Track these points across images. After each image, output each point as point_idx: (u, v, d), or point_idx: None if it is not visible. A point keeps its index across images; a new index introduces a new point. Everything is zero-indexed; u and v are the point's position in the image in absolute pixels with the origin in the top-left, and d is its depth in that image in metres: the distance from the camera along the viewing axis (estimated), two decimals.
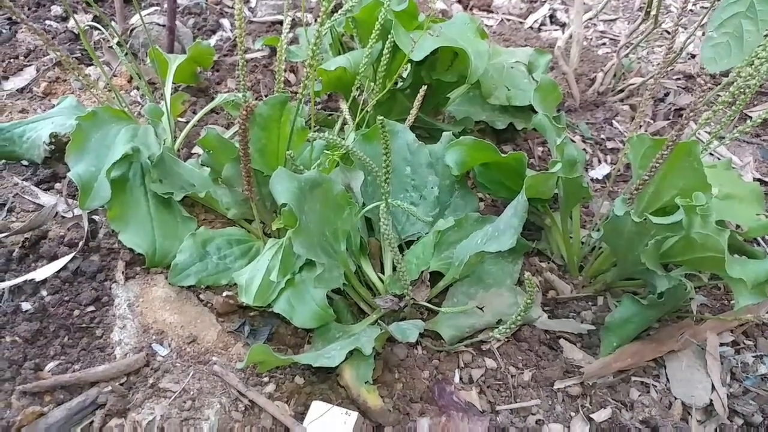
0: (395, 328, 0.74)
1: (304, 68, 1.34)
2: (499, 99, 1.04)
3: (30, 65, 1.38)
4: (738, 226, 0.92)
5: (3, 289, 0.84)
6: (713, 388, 0.79)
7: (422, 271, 0.84)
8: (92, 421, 0.71)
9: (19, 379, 0.74)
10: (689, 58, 1.50)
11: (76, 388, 0.74)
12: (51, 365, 0.76)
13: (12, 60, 1.39)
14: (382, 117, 0.80)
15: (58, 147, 1.07)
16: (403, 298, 0.79)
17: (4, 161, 1.07)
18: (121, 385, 0.74)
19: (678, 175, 0.77)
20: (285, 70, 1.33)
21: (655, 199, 0.82)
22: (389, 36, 0.86)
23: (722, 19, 0.89)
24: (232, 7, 1.62)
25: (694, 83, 1.39)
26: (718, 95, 1.23)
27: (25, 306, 0.82)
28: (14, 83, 1.33)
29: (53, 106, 1.23)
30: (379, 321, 0.82)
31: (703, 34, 1.53)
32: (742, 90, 0.80)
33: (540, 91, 0.85)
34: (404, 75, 1.05)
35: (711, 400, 0.78)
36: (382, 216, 0.72)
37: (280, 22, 1.54)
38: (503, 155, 0.83)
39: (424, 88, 0.84)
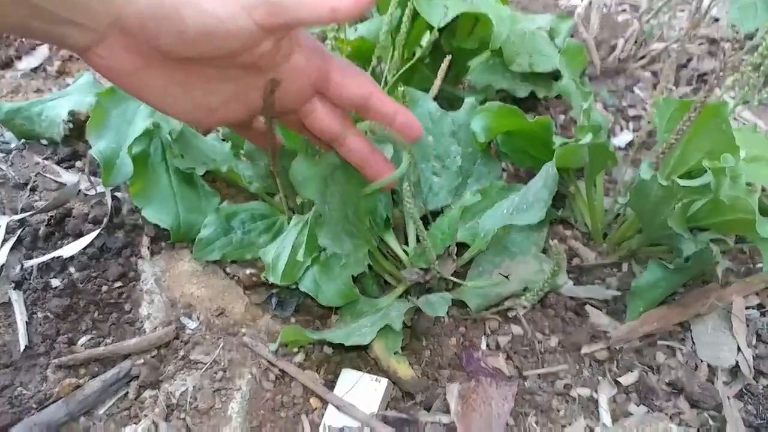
0: (424, 302, 0.74)
1: (322, 41, 1.33)
2: (522, 66, 1.03)
3: (42, 44, 1.37)
4: (763, 189, 0.91)
5: (32, 266, 0.85)
6: (739, 349, 0.79)
7: (448, 246, 0.84)
8: (127, 392, 0.72)
9: (54, 354, 0.75)
10: (713, 22, 1.47)
11: (109, 361, 0.75)
12: (83, 339, 0.77)
13: (24, 40, 1.38)
14: (403, 86, 0.79)
15: (76, 125, 1.07)
16: (429, 271, 0.79)
17: (24, 141, 1.07)
18: (153, 357, 0.75)
19: (705, 138, 0.76)
20: None
21: (681, 163, 0.81)
22: (408, 2, 0.85)
23: None
24: None
25: (718, 48, 1.37)
26: (743, 59, 1.21)
27: (55, 282, 0.83)
28: (28, 63, 1.33)
29: (68, 85, 1.23)
30: (407, 293, 0.82)
31: None
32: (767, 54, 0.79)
33: (566, 54, 0.83)
34: (423, 43, 1.04)
35: (737, 362, 0.78)
36: (405, 193, 0.71)
37: None
38: (530, 121, 0.82)
39: (448, 58, 0.83)
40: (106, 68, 0.55)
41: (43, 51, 1.35)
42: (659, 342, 0.81)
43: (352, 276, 0.78)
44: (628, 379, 0.77)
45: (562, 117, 1.17)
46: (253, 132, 0.73)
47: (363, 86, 0.63)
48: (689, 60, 1.35)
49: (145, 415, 0.69)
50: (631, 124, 1.18)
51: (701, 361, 0.79)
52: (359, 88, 0.63)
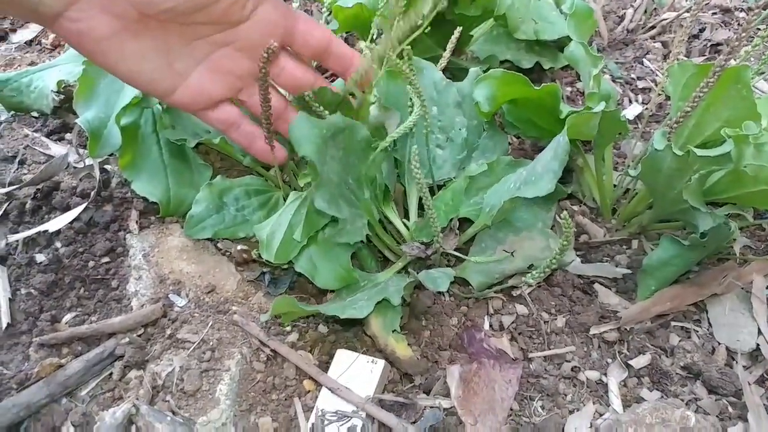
0: (425, 276, 0.70)
1: (319, 10, 1.28)
2: (526, 33, 0.98)
3: None
4: None
5: (17, 240, 0.81)
6: (759, 332, 0.75)
7: (451, 219, 0.80)
8: (111, 373, 0.69)
9: (36, 332, 0.72)
10: None
11: (93, 340, 0.72)
12: (68, 317, 0.74)
13: None
14: (409, 48, 0.75)
15: (67, 96, 1.04)
16: (431, 245, 0.75)
17: (13, 113, 1.04)
18: (139, 336, 0.72)
19: (724, 105, 0.71)
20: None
21: (696, 134, 0.76)
22: None
23: None
24: None
25: (732, 17, 1.31)
26: (758, 29, 1.15)
27: (40, 258, 0.80)
28: (22, 36, 1.30)
29: None
30: (406, 269, 0.78)
31: None
32: None
33: (575, 17, 0.78)
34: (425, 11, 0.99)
35: (757, 345, 0.73)
36: (414, 159, 0.67)
37: None
38: (536, 88, 0.77)
39: (459, 29, 0.78)
40: (78, 33, 0.53)
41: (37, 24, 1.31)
42: (673, 323, 0.77)
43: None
44: (639, 362, 0.73)
45: (568, 89, 1.11)
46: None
47: (325, 32, 0.66)
48: (702, 30, 1.29)
49: (129, 397, 0.65)
50: (640, 97, 1.13)
51: (719, 343, 0.75)
52: (323, 33, 0.65)
